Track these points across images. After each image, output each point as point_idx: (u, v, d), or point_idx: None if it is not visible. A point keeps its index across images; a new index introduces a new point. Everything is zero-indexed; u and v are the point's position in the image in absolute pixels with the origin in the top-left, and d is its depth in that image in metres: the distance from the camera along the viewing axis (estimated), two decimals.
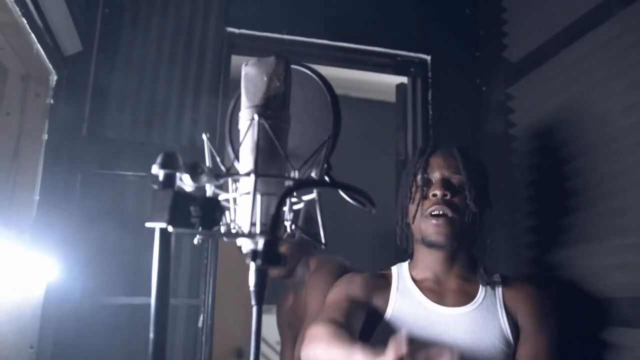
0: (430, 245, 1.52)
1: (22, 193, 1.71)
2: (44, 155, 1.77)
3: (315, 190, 0.97)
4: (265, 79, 1.00)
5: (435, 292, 1.52)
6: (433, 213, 1.49)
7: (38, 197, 1.73)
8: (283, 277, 2.03)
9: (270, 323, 3.99)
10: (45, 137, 1.77)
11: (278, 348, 3.98)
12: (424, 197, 1.52)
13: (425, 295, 1.51)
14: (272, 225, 0.79)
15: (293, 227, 0.96)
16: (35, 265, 1.62)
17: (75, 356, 1.86)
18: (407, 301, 1.51)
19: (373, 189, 2.34)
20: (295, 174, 0.97)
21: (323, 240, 1.03)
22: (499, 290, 1.52)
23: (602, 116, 1.72)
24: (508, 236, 2.12)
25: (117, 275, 1.94)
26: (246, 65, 1.03)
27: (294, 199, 0.97)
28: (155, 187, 0.86)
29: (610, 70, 1.70)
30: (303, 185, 0.90)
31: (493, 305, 1.49)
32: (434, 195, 1.50)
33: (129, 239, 1.95)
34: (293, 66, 1.06)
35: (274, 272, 1.93)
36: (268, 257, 0.77)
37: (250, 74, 1.02)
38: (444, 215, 1.48)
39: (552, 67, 1.94)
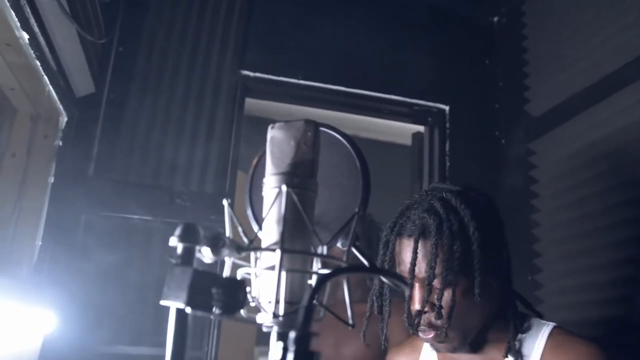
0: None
1: (23, 237, 1.64)
2: (49, 197, 1.70)
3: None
4: (292, 144, 0.94)
5: None
6: (420, 334, 1.15)
7: (40, 243, 1.65)
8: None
9: None
10: (52, 179, 1.71)
11: None
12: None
13: None
14: (304, 318, 0.71)
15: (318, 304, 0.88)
16: (33, 317, 1.54)
17: None
18: None
19: None
20: (323, 250, 0.90)
21: (350, 322, 0.96)
22: (536, 357, 1.13)
23: (626, 180, 1.66)
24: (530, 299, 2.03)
25: (117, 323, 1.87)
26: (272, 128, 0.96)
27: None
28: (173, 260, 0.79)
29: (637, 133, 1.65)
30: (337, 273, 0.82)
31: None
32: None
33: (131, 285, 1.87)
34: (322, 129, 1.00)
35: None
36: (299, 355, 0.69)
37: (276, 138, 0.95)
38: (429, 331, 1.13)
39: (576, 125, 1.89)
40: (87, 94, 1.80)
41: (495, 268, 1.15)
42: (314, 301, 0.89)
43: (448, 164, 2.34)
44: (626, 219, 1.66)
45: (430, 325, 1.12)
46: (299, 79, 2.24)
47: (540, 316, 1.22)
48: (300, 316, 0.72)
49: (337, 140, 1.08)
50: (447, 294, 1.09)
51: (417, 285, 1.13)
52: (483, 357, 1.19)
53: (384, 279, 0.87)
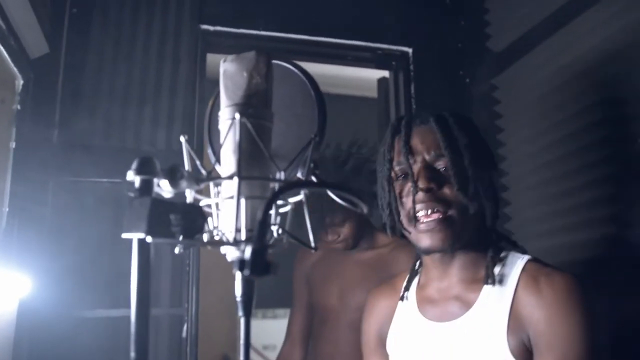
0: (422, 251, 1.21)
1: None
2: (12, 164, 1.68)
3: (302, 192, 0.91)
4: (245, 75, 0.94)
5: (434, 301, 1.23)
6: (419, 215, 1.16)
7: (7, 209, 1.64)
8: (344, 249, 2.00)
9: (255, 328, 3.94)
10: (13, 145, 1.68)
11: (265, 353, 3.93)
12: (406, 193, 1.19)
13: (421, 309, 1.24)
14: (259, 232, 0.72)
15: (280, 231, 0.89)
16: (6, 281, 1.53)
17: None
18: (405, 317, 1.28)
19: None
20: (280, 176, 0.90)
21: (312, 244, 0.97)
22: (511, 288, 1.13)
23: (589, 104, 1.69)
24: None
25: (94, 287, 1.86)
26: (225, 61, 0.96)
27: (280, 202, 0.91)
28: (132, 194, 0.79)
29: (596, 59, 1.67)
30: (290, 187, 0.84)
31: (494, 314, 1.12)
32: (418, 190, 1.15)
33: (105, 249, 1.87)
34: (274, 61, 1.00)
35: (337, 244, 1.93)
36: (256, 267, 0.70)
37: (229, 71, 0.95)
38: (434, 212, 1.14)
39: (537, 56, 1.91)
40: (42, 55, 1.76)
41: (486, 184, 1.18)
42: (278, 227, 0.91)
43: (414, 106, 2.35)
44: (590, 143, 1.69)
45: (438, 203, 1.14)
46: (259, 30, 2.21)
47: (516, 246, 1.24)
48: (256, 230, 0.73)
49: (290, 72, 1.08)
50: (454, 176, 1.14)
51: (419, 166, 1.16)
52: (464, 283, 1.20)
53: (337, 197, 0.88)
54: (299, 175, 0.96)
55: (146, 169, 0.80)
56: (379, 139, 2.47)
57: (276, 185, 0.89)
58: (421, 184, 1.15)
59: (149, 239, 0.75)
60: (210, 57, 2.19)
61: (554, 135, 1.82)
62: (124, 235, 0.78)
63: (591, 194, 1.68)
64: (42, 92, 1.87)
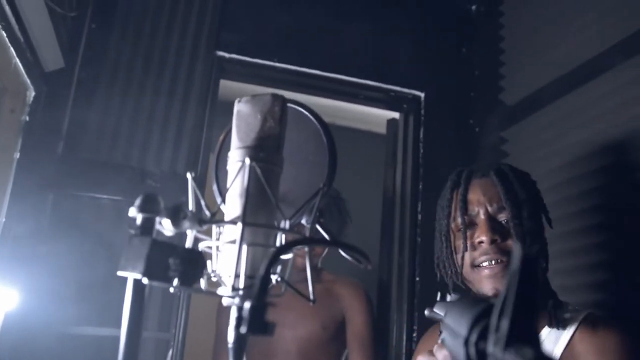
0: (489, 297, 1.21)
1: None
2: (14, 174, 1.67)
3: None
4: (259, 117, 0.93)
5: None
6: (483, 265, 1.20)
7: (4, 219, 1.62)
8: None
9: None
10: (17, 155, 1.67)
11: None
12: (470, 246, 1.23)
13: None
14: (260, 289, 0.70)
15: (279, 279, 0.88)
16: None
17: None
18: None
19: (358, 219, 2.30)
20: (285, 224, 0.89)
21: (312, 297, 0.95)
22: (567, 334, 1.13)
23: (597, 168, 1.68)
24: None
25: (83, 304, 1.83)
26: (239, 101, 0.96)
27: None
28: (132, 231, 0.78)
29: (607, 123, 1.67)
30: (295, 244, 0.82)
31: (551, 351, 1.13)
32: (481, 242, 1.20)
33: (99, 266, 1.84)
34: (290, 105, 0.99)
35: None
36: (253, 325, 0.68)
37: (243, 112, 0.94)
38: (498, 263, 1.18)
39: (549, 114, 1.91)
40: (57, 69, 1.76)
41: (542, 238, 1.24)
42: (277, 275, 0.89)
43: (422, 150, 2.34)
44: (596, 205, 1.68)
45: (502, 254, 1.18)
46: (274, 62, 2.22)
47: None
48: (256, 286, 0.71)
49: (304, 117, 1.07)
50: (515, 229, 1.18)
51: (483, 218, 1.21)
52: None
53: (343, 253, 0.87)
54: (303, 221, 0.95)
55: (149, 207, 0.79)
56: (384, 177, 2.47)
57: (279, 235, 0.88)
58: (486, 237, 1.19)
59: (145, 280, 0.74)
60: (224, 84, 2.20)
61: (556, 195, 1.81)
62: (120, 273, 0.76)
63: (589, 258, 1.66)
64: (53, 105, 1.87)
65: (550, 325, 1.15)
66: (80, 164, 1.94)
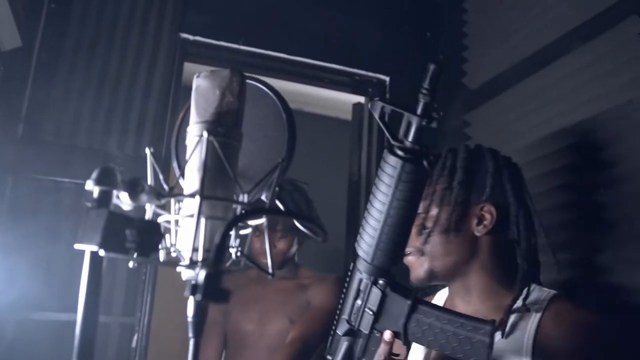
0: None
1: None
2: None
3: (264, 216, 0.90)
4: (217, 93, 0.93)
5: None
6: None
7: None
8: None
9: None
10: None
11: None
12: None
13: None
14: (215, 257, 0.71)
15: (239, 254, 0.88)
16: None
17: None
18: None
19: (324, 206, 2.31)
20: (244, 198, 0.89)
21: (270, 271, 0.96)
22: (534, 320, 1.13)
23: (558, 149, 1.72)
24: None
25: (46, 289, 1.80)
26: (198, 77, 0.95)
27: (240, 224, 0.89)
28: (89, 204, 0.78)
29: (567, 105, 1.71)
30: (252, 213, 0.83)
31: (518, 343, 1.12)
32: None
33: (59, 250, 1.82)
34: (249, 81, 0.99)
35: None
36: (209, 292, 0.69)
37: (201, 87, 0.94)
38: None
39: (512, 96, 1.94)
40: (14, 49, 1.72)
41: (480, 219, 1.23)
42: (235, 249, 0.89)
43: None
44: (559, 185, 1.72)
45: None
46: (239, 44, 2.21)
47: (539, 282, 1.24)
48: (212, 254, 0.72)
49: (264, 94, 1.07)
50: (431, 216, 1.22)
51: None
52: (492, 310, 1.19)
53: (299, 224, 0.88)
54: (263, 197, 0.95)
55: (106, 180, 0.79)
56: (350, 161, 2.48)
57: (238, 208, 0.88)
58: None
59: (101, 252, 0.74)
60: (188, 67, 2.18)
61: None
62: (77, 246, 0.76)
63: (554, 237, 1.70)
64: (11, 86, 1.83)
65: (515, 311, 1.16)
66: (40, 147, 1.90)
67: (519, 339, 1.13)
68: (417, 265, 1.24)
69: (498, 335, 1.13)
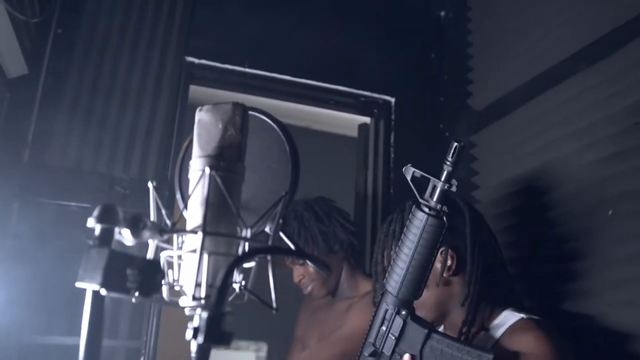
0: None
1: None
2: None
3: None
4: (220, 126, 0.93)
5: None
6: None
7: None
8: (315, 295, 1.93)
9: (216, 357, 3.82)
10: None
11: None
12: None
13: None
14: (217, 299, 0.70)
15: (242, 288, 0.87)
16: None
17: None
18: None
19: None
20: (247, 233, 0.89)
21: (274, 305, 0.95)
22: (492, 340, 1.31)
23: (563, 172, 1.71)
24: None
25: (49, 312, 1.80)
26: (200, 110, 0.95)
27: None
28: (90, 242, 0.78)
29: (572, 127, 1.70)
30: (254, 253, 0.82)
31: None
32: None
33: (65, 274, 1.81)
34: (252, 113, 0.99)
35: (312, 294, 1.90)
36: (210, 334, 0.68)
37: (204, 120, 0.94)
38: None
39: (517, 118, 1.94)
40: (20, 76, 1.73)
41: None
42: (241, 284, 0.89)
43: (393, 155, 2.36)
44: (563, 212, 1.70)
45: None
46: (244, 67, 2.22)
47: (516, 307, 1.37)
48: (214, 296, 0.71)
49: (267, 125, 1.07)
50: None
51: None
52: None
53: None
54: (267, 229, 0.95)
55: (107, 218, 0.79)
56: (356, 181, 2.48)
57: (241, 244, 0.88)
58: None
59: (103, 292, 0.73)
60: (193, 90, 2.19)
61: (526, 199, 1.84)
62: (78, 285, 0.75)
63: (561, 267, 1.69)
64: (17, 112, 1.84)
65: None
66: (46, 171, 1.91)
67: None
68: None
69: None
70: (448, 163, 1.17)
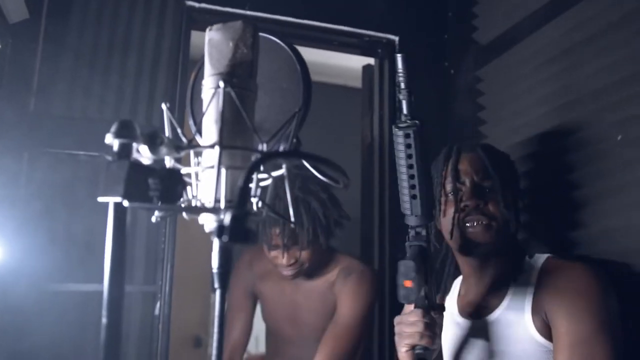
0: (467, 254, 1.44)
1: None
2: None
3: (284, 166, 0.90)
4: (231, 45, 0.93)
5: (470, 303, 1.48)
6: (467, 224, 1.39)
7: None
8: (293, 277, 1.90)
9: None
10: None
11: None
12: (457, 208, 1.41)
13: (460, 309, 1.50)
14: (239, 199, 0.71)
15: (260, 204, 0.88)
16: None
17: (20, 348, 1.73)
18: (447, 317, 1.47)
19: None
20: (263, 147, 0.89)
21: (292, 219, 0.97)
22: (531, 285, 1.36)
23: (572, 99, 1.70)
24: None
25: (66, 261, 1.82)
26: (210, 30, 0.95)
27: (261, 175, 0.89)
28: (109, 158, 0.78)
29: (582, 54, 1.68)
30: (272, 156, 0.83)
31: (520, 305, 1.35)
32: (466, 206, 1.39)
33: (79, 223, 1.83)
34: (261, 34, 0.99)
35: (288, 269, 1.86)
36: (236, 233, 0.69)
37: (214, 40, 0.94)
38: (480, 224, 1.38)
39: (522, 50, 1.91)
40: (21, 21, 1.71)
41: (518, 204, 1.47)
42: (257, 200, 0.89)
43: (398, 94, 2.34)
44: (570, 142, 1.70)
45: (483, 215, 1.38)
46: (245, 10, 2.19)
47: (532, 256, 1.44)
48: (236, 197, 0.72)
49: (276, 46, 1.07)
50: (496, 203, 1.39)
51: (469, 186, 1.41)
52: (496, 285, 1.43)
53: (316, 172, 0.87)
54: (281, 149, 0.95)
55: (126, 133, 0.79)
56: (362, 125, 2.47)
57: (258, 156, 0.88)
58: (471, 202, 1.39)
59: (125, 202, 0.74)
60: (195, 35, 2.16)
61: (535, 130, 1.83)
62: (100, 199, 0.76)
63: (574, 192, 1.69)
64: (20, 59, 1.83)
65: (514, 279, 1.39)
66: (53, 121, 1.91)
67: (520, 302, 1.35)
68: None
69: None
70: (401, 75, 1.33)
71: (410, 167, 1.28)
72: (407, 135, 1.27)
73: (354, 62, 2.61)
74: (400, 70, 1.35)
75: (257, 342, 3.94)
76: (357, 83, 2.61)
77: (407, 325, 1.28)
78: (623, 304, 1.29)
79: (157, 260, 1.99)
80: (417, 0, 2.43)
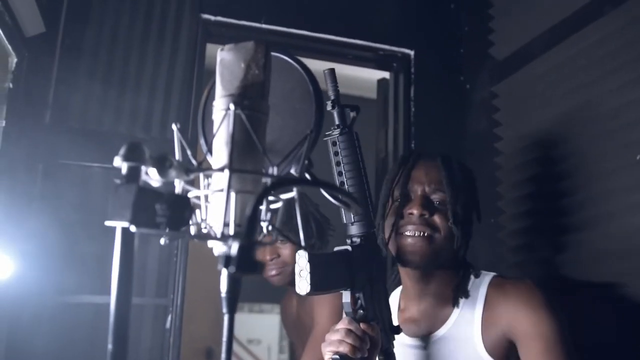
0: (404, 264, 1.37)
1: None
2: (1, 143, 1.65)
3: (295, 189, 0.88)
4: (242, 65, 0.92)
5: (412, 319, 1.41)
6: (407, 233, 1.34)
7: None
8: (287, 285, 1.86)
9: (240, 322, 3.91)
10: (3, 123, 1.65)
11: (249, 347, 3.91)
12: (401, 215, 1.36)
13: (404, 328, 1.37)
14: (247, 228, 0.70)
15: (270, 228, 0.87)
16: None
17: (32, 359, 1.74)
18: None
19: None
20: (273, 171, 0.88)
21: (302, 243, 0.95)
22: (479, 302, 1.33)
23: (589, 117, 1.67)
24: (490, 240, 2.05)
25: (78, 272, 1.83)
26: (222, 50, 0.94)
27: (271, 198, 0.88)
28: (118, 181, 0.77)
29: (598, 71, 1.66)
30: (282, 183, 0.81)
31: (469, 322, 1.32)
32: (411, 214, 1.34)
33: (93, 234, 1.84)
34: (273, 54, 0.98)
35: (276, 279, 1.82)
36: (242, 263, 0.68)
37: (226, 60, 0.93)
38: (420, 235, 1.33)
39: (539, 66, 1.89)
40: (38, 34, 1.72)
41: (472, 223, 1.40)
42: (268, 223, 0.88)
43: (413, 109, 2.33)
44: (589, 158, 1.67)
45: (427, 227, 1.33)
46: (261, 23, 2.19)
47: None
48: (244, 226, 0.71)
49: (289, 66, 1.06)
50: (443, 216, 1.34)
51: (419, 195, 1.35)
52: (440, 300, 1.38)
53: (330, 197, 0.86)
54: (292, 171, 0.94)
55: (134, 156, 0.78)
56: (376, 138, 2.46)
57: (268, 181, 0.87)
58: (416, 210, 1.33)
59: (132, 228, 0.73)
60: (210, 48, 2.17)
61: (551, 147, 1.81)
62: (108, 223, 0.75)
63: (586, 212, 1.67)
64: (37, 72, 1.84)
65: (461, 297, 1.35)
66: (68, 133, 1.92)
67: (469, 321, 1.32)
68: None
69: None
70: (331, 89, 1.31)
71: (339, 174, 1.25)
72: (333, 143, 1.26)
73: (371, 74, 2.60)
74: (329, 83, 1.33)
75: (270, 352, 3.94)
76: (374, 94, 2.59)
77: (332, 333, 1.20)
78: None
79: (169, 273, 1.99)
80: (433, 14, 2.42)
